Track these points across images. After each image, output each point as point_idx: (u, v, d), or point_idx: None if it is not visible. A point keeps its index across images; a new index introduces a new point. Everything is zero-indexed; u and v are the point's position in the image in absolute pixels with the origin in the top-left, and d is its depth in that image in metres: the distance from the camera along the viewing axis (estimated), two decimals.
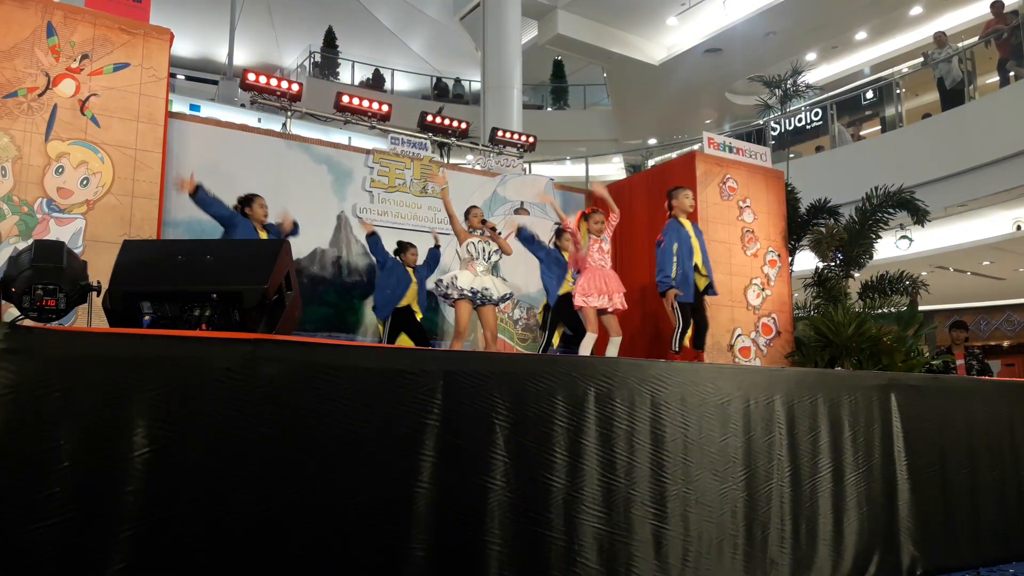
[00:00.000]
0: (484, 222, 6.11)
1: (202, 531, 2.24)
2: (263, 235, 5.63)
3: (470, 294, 5.82)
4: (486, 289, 5.87)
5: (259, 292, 2.71)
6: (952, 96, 11.01)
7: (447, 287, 5.86)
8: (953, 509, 4.30)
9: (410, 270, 6.51)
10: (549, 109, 21.38)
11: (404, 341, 6.35)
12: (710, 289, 6.24)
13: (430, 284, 6.25)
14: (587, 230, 6.04)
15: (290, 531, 2.35)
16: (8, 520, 2.00)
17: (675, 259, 5.97)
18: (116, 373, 2.22)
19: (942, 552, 4.14)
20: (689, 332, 6.05)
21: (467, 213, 6.16)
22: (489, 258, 6.01)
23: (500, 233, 6.13)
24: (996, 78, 10.98)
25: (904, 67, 15.51)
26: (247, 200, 5.64)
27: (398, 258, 6.54)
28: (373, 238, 6.48)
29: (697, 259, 6.08)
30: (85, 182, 5.27)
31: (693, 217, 6.55)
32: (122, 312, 2.73)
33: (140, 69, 5.53)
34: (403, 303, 6.41)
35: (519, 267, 7.84)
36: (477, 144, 8.81)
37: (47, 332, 2.25)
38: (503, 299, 6.06)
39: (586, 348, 5.87)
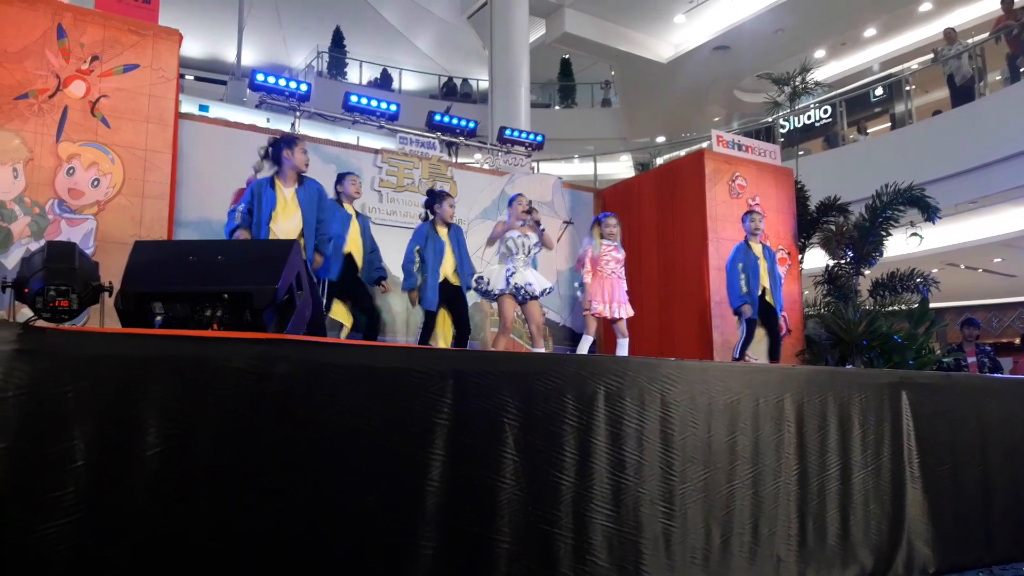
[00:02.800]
0: (530, 212, 5.88)
1: (212, 530, 2.25)
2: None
3: (513, 290, 5.69)
4: (529, 284, 5.72)
5: (270, 292, 2.73)
6: (962, 93, 10.96)
7: (488, 284, 5.76)
8: (964, 507, 4.28)
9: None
10: (557, 108, 21.37)
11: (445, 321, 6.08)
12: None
13: (470, 281, 6.05)
14: (599, 234, 6.10)
15: (300, 530, 2.36)
16: (22, 520, 2.02)
17: (743, 276, 6.55)
18: (128, 373, 2.23)
19: (954, 550, 4.12)
20: (763, 345, 6.81)
21: (512, 201, 5.98)
22: (529, 252, 5.84)
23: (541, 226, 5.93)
24: (1007, 74, 10.92)
25: (914, 64, 15.43)
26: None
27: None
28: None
29: (765, 282, 6.62)
30: (96, 183, 5.30)
31: (700, 214, 6.61)
32: (134, 312, 2.75)
33: (150, 70, 5.56)
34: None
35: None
36: (485, 143, 8.82)
37: (60, 332, 2.27)
38: (544, 292, 5.85)
39: (583, 349, 5.96)
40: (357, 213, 6.03)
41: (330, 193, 5.66)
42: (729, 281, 6.65)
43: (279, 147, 4.93)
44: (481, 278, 5.83)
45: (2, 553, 1.97)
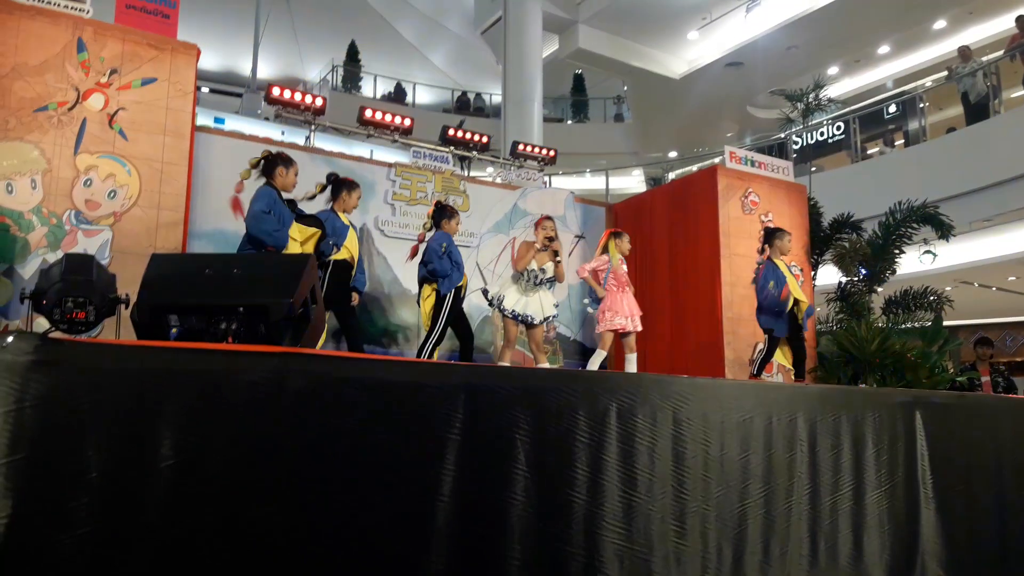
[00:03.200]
0: (551, 240, 5.98)
1: (224, 543, 2.26)
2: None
3: (511, 316, 5.88)
4: (529, 316, 5.88)
5: (285, 306, 2.74)
6: (977, 110, 10.93)
7: (498, 302, 5.92)
8: (979, 528, 4.24)
9: None
10: (569, 122, 21.43)
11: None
12: (810, 310, 6.89)
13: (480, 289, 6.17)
14: (615, 248, 6.16)
15: (311, 544, 2.36)
16: (37, 530, 2.03)
17: (774, 290, 6.55)
18: (143, 385, 2.25)
19: (967, 572, 4.08)
20: (786, 360, 6.92)
21: (537, 225, 6.08)
22: (539, 283, 5.94)
23: (558, 257, 6.01)
24: (1021, 92, 10.89)
25: (928, 81, 15.41)
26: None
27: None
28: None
29: (797, 294, 6.61)
30: (112, 194, 5.35)
31: (713, 230, 6.59)
32: (150, 324, 2.77)
33: (167, 84, 5.62)
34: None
35: None
36: (498, 157, 8.85)
37: (77, 344, 2.29)
38: (544, 321, 5.99)
39: (595, 364, 5.97)
40: (351, 223, 5.96)
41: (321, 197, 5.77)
42: (765, 298, 6.59)
43: (274, 163, 5.17)
44: (499, 297, 5.93)
45: (18, 563, 1.98)
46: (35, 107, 5.14)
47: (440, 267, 5.76)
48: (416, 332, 7.05)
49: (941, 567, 3.95)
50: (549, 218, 6.11)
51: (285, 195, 5.20)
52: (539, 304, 5.92)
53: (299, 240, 5.18)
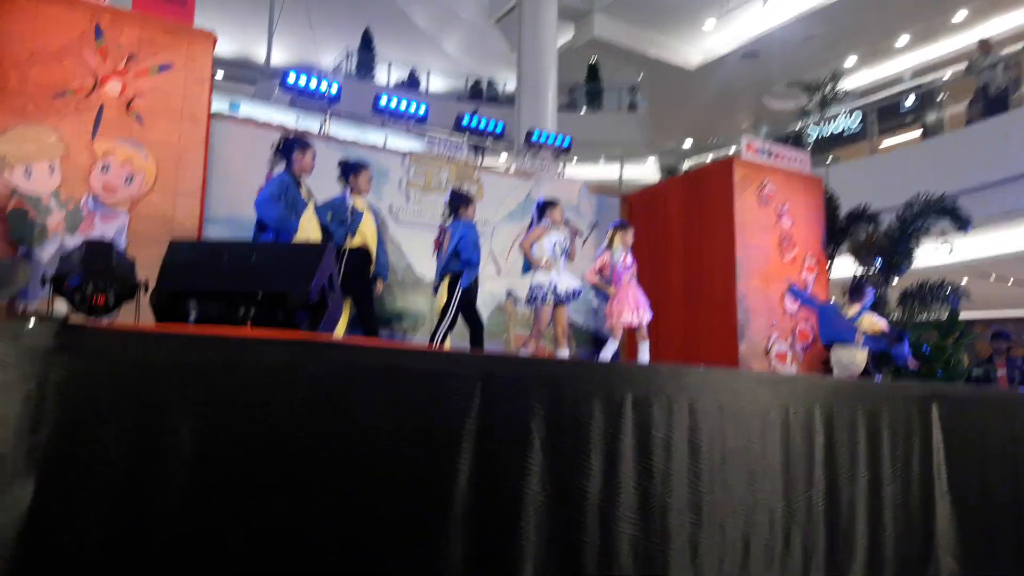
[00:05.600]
0: (567, 222, 6.03)
1: (240, 532, 2.26)
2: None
3: (564, 297, 5.85)
4: (575, 290, 5.90)
5: (303, 293, 2.75)
6: (996, 103, 10.82)
7: (547, 293, 5.79)
8: (995, 522, 4.22)
9: None
10: (584, 111, 21.34)
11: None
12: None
13: (522, 292, 6.07)
14: (621, 241, 6.14)
15: (327, 533, 2.37)
16: (54, 518, 2.04)
17: None
18: (162, 371, 2.25)
19: (983, 567, 4.06)
20: None
21: (548, 206, 6.03)
22: (565, 255, 5.96)
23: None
24: None
25: (947, 73, 15.25)
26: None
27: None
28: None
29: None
30: (129, 180, 5.37)
31: (728, 221, 6.58)
32: (168, 309, 2.78)
33: (184, 70, 5.62)
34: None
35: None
36: (512, 146, 8.82)
37: (97, 330, 2.30)
38: (579, 293, 6.03)
39: (607, 354, 5.97)
40: (370, 206, 5.98)
41: (336, 185, 5.77)
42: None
43: (290, 146, 5.26)
44: (539, 287, 5.82)
45: (37, 550, 2.00)
46: (53, 92, 5.16)
47: (475, 258, 5.77)
48: (430, 319, 7.06)
49: (956, 560, 3.94)
50: (555, 202, 6.11)
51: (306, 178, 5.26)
52: (572, 279, 5.94)
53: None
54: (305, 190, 5.35)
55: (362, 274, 5.68)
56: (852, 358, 6.60)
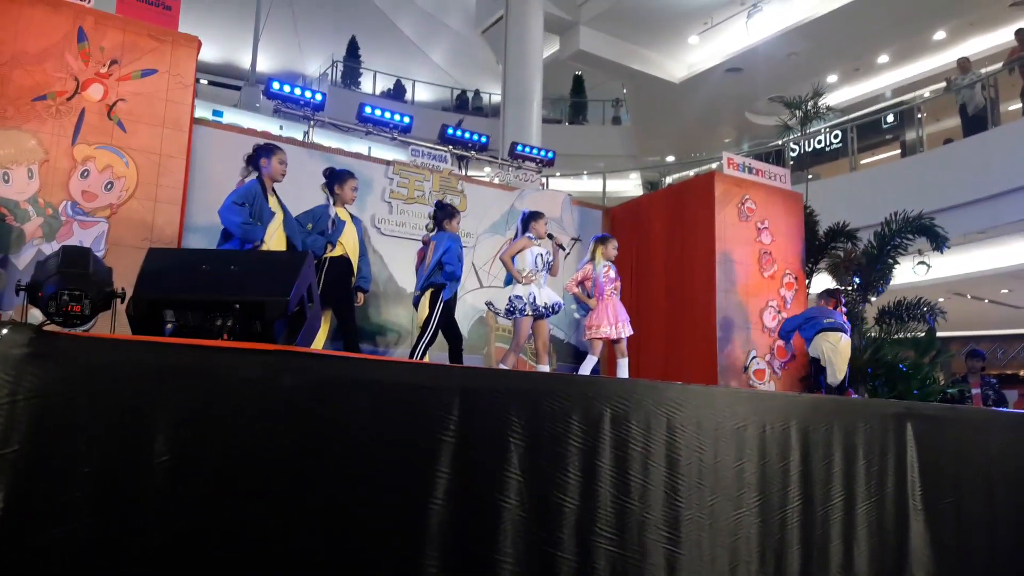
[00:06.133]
0: (551, 236, 5.97)
1: (218, 541, 2.25)
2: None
3: (544, 311, 5.74)
4: (556, 303, 5.80)
5: (281, 304, 2.73)
6: (974, 122, 10.97)
7: (526, 305, 5.66)
8: (969, 541, 4.26)
9: None
10: (567, 124, 21.43)
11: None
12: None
13: (501, 303, 5.83)
14: (602, 254, 6.14)
15: (305, 544, 2.36)
16: (29, 524, 2.02)
17: None
18: (138, 381, 2.24)
19: None
20: None
21: (532, 218, 5.93)
22: (547, 268, 5.86)
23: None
24: (1019, 105, 10.93)
25: (926, 91, 15.46)
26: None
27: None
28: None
29: None
30: (109, 186, 5.33)
31: (709, 236, 6.61)
32: (145, 319, 2.76)
33: (167, 76, 5.60)
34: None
35: None
36: (496, 157, 8.84)
37: (72, 338, 2.28)
38: (560, 308, 5.93)
39: (586, 369, 5.96)
40: (352, 216, 5.89)
41: (319, 193, 5.75)
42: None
43: (258, 155, 5.20)
44: (519, 298, 5.68)
45: (9, 558, 1.97)
46: (34, 96, 5.12)
47: (459, 271, 5.75)
48: (410, 332, 7.04)
49: None
50: (541, 213, 6.06)
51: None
52: (552, 293, 5.85)
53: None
54: (276, 201, 5.23)
55: (343, 284, 5.63)
56: (838, 341, 6.68)
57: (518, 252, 5.83)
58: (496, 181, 8.45)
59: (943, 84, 13.57)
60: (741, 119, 19.12)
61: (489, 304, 6.02)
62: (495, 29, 16.65)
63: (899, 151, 12.67)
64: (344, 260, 5.64)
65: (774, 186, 8.08)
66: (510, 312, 5.77)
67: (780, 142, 12.96)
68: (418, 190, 7.42)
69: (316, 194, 6.62)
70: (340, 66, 20.60)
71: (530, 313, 5.69)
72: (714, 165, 12.00)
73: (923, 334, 8.25)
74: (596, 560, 2.85)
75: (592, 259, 6.20)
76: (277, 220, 5.16)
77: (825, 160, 13.40)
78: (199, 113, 7.21)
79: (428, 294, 5.75)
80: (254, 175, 5.17)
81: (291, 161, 6.72)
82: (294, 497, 2.36)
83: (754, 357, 7.39)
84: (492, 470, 2.73)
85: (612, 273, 6.17)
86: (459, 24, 20.00)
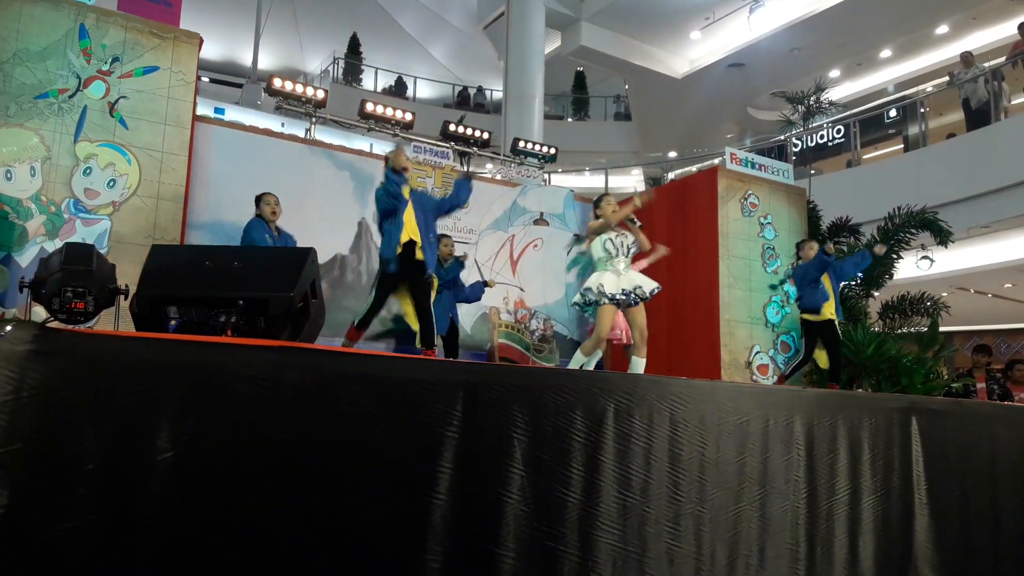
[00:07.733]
0: (633, 222, 5.35)
1: (221, 535, 2.25)
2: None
3: (624, 296, 5.04)
4: (638, 287, 5.09)
5: (285, 300, 2.73)
6: (977, 117, 10.93)
7: (597, 295, 5.03)
8: (972, 534, 4.25)
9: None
10: (570, 120, 21.39)
11: None
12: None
13: (575, 298, 5.33)
14: None
15: (308, 538, 2.36)
16: (34, 520, 2.02)
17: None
18: (142, 377, 2.24)
19: None
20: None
21: (601, 201, 5.44)
22: (628, 253, 5.23)
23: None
24: (1022, 99, 10.89)
25: (929, 86, 15.41)
26: None
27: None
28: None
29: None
30: (112, 183, 5.33)
31: (712, 231, 6.57)
32: (149, 316, 2.76)
33: (169, 73, 5.60)
34: None
35: (536, 275, 7.85)
36: (498, 154, 8.83)
37: (75, 334, 2.28)
38: (653, 292, 5.15)
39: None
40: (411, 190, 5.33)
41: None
42: (807, 292, 6.57)
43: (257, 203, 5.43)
44: (589, 290, 5.11)
45: (14, 553, 1.98)
46: (36, 93, 5.12)
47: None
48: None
49: (934, 571, 3.96)
50: (609, 195, 5.57)
51: None
52: (641, 278, 5.17)
53: None
54: (270, 237, 5.38)
55: (418, 268, 5.12)
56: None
57: (599, 232, 5.32)
58: (498, 177, 8.44)
59: (946, 79, 13.51)
60: (743, 114, 19.07)
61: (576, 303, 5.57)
62: (497, 25, 16.62)
63: (902, 146, 12.62)
64: (410, 242, 5.11)
65: (777, 181, 8.07)
66: (582, 305, 5.28)
67: (783, 137, 12.92)
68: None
69: (319, 190, 6.64)
70: (341, 63, 20.56)
71: (604, 303, 5.07)
72: (716, 160, 11.98)
73: (926, 329, 8.23)
74: (597, 554, 2.85)
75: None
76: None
77: (828, 155, 13.36)
78: (201, 111, 7.21)
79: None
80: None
81: (293, 158, 6.76)
82: (297, 491, 2.37)
83: (758, 352, 7.38)
84: (495, 465, 2.73)
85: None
86: (460, 20, 19.97)
